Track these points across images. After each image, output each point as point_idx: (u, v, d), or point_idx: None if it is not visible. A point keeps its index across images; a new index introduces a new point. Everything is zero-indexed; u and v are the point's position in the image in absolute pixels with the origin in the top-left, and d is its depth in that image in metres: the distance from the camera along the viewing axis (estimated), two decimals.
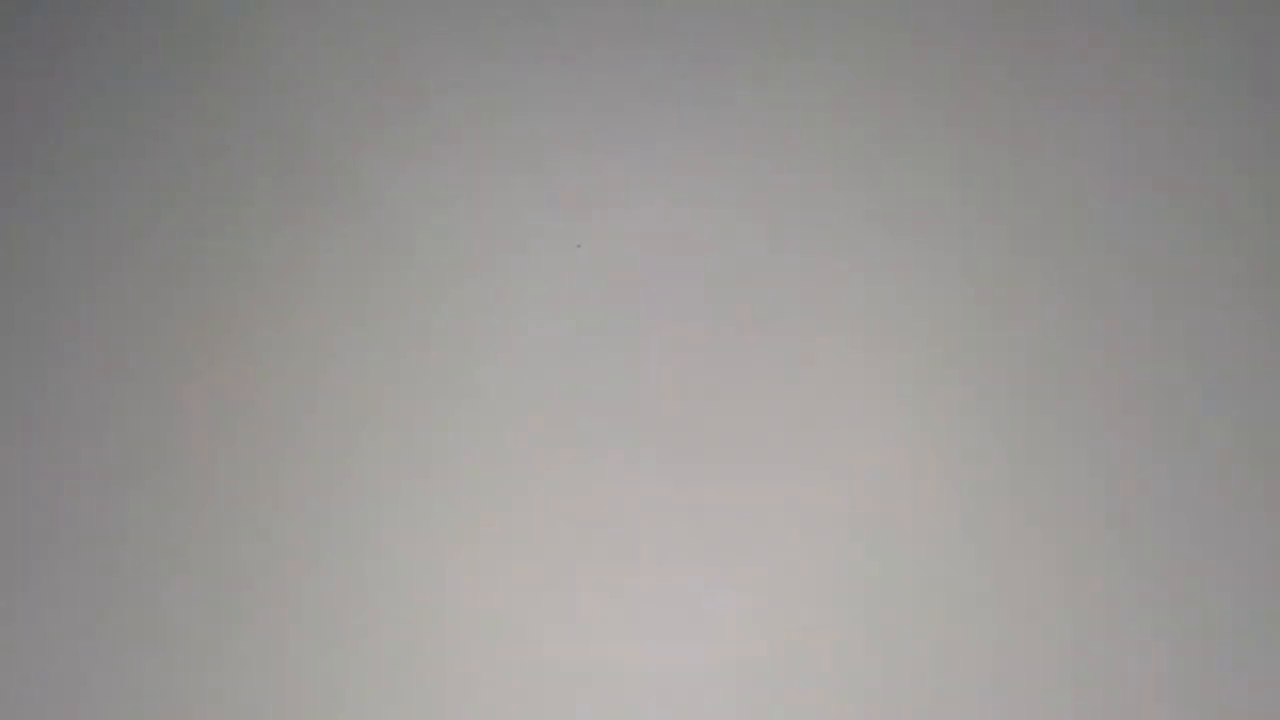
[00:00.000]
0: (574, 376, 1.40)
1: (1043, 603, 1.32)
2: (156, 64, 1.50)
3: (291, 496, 1.41)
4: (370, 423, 1.41)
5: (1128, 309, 1.36)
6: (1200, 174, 1.37)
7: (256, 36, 1.49)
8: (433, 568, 1.38)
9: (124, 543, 1.41)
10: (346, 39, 1.48)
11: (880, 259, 1.39)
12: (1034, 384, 1.35)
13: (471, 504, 1.39)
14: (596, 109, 1.44)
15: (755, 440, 1.37)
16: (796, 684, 1.34)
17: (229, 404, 1.43)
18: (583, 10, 1.46)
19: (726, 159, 1.42)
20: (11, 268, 1.47)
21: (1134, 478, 1.33)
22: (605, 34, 1.45)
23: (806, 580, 1.35)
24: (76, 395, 1.44)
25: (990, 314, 1.37)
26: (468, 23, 1.47)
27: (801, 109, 1.42)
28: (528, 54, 1.45)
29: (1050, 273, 1.37)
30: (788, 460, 1.36)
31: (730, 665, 1.35)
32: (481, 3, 1.47)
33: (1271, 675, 1.29)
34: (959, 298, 1.37)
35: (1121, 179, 1.37)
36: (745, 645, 1.35)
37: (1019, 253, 1.38)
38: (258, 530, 1.40)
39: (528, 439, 1.39)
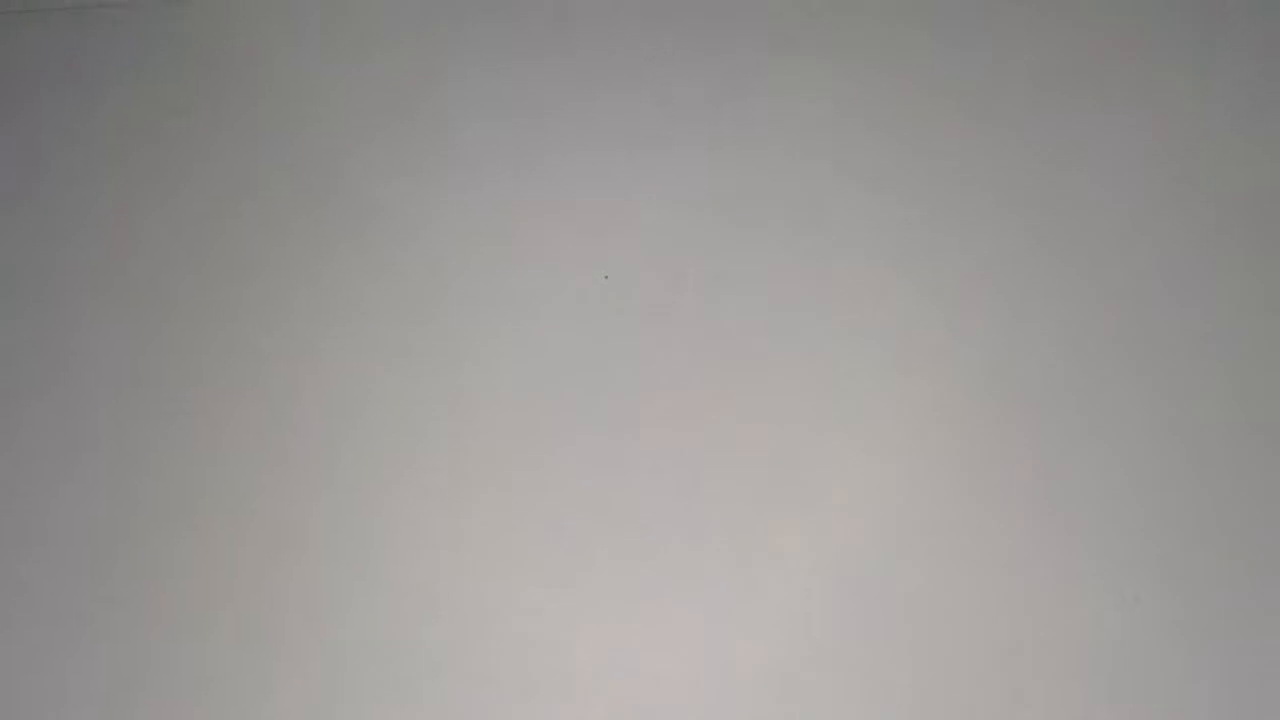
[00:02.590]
0: (598, 400, 1.41)
1: (1064, 600, 1.32)
2: (187, 98, 1.51)
3: (319, 518, 1.42)
4: (403, 450, 1.42)
5: (1146, 313, 1.36)
6: (1221, 173, 1.37)
7: (286, 69, 1.49)
8: (457, 584, 1.39)
9: (133, 545, 1.42)
10: (374, 74, 1.48)
11: (904, 289, 1.39)
12: (1054, 387, 1.36)
13: (498, 524, 1.40)
14: (623, 143, 1.45)
15: (778, 459, 1.38)
16: (817, 681, 1.34)
17: (261, 434, 1.44)
18: (611, 45, 1.46)
19: (750, 191, 1.43)
20: (41, 307, 1.48)
21: (1153, 477, 1.34)
22: (633, 70, 1.46)
23: (826, 583, 1.35)
24: (108, 421, 1.45)
25: (1012, 317, 1.38)
26: (496, 57, 1.47)
27: (825, 143, 1.42)
28: (555, 88, 1.46)
29: (1067, 274, 1.37)
30: (810, 476, 1.37)
31: (750, 663, 1.35)
32: (512, 37, 1.47)
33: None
34: (983, 302, 1.38)
35: (1138, 181, 1.38)
36: (764, 644, 1.35)
37: (1037, 255, 1.38)
38: (287, 550, 1.41)
39: (552, 461, 1.41)
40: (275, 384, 1.45)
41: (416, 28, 1.48)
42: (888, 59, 1.43)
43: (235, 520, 1.42)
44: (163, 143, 1.50)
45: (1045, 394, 1.36)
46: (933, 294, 1.39)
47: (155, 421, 1.45)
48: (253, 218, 1.48)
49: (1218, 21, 1.38)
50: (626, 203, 1.44)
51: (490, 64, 1.47)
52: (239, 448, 1.44)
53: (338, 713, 1.38)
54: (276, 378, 1.45)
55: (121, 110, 1.51)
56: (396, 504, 1.41)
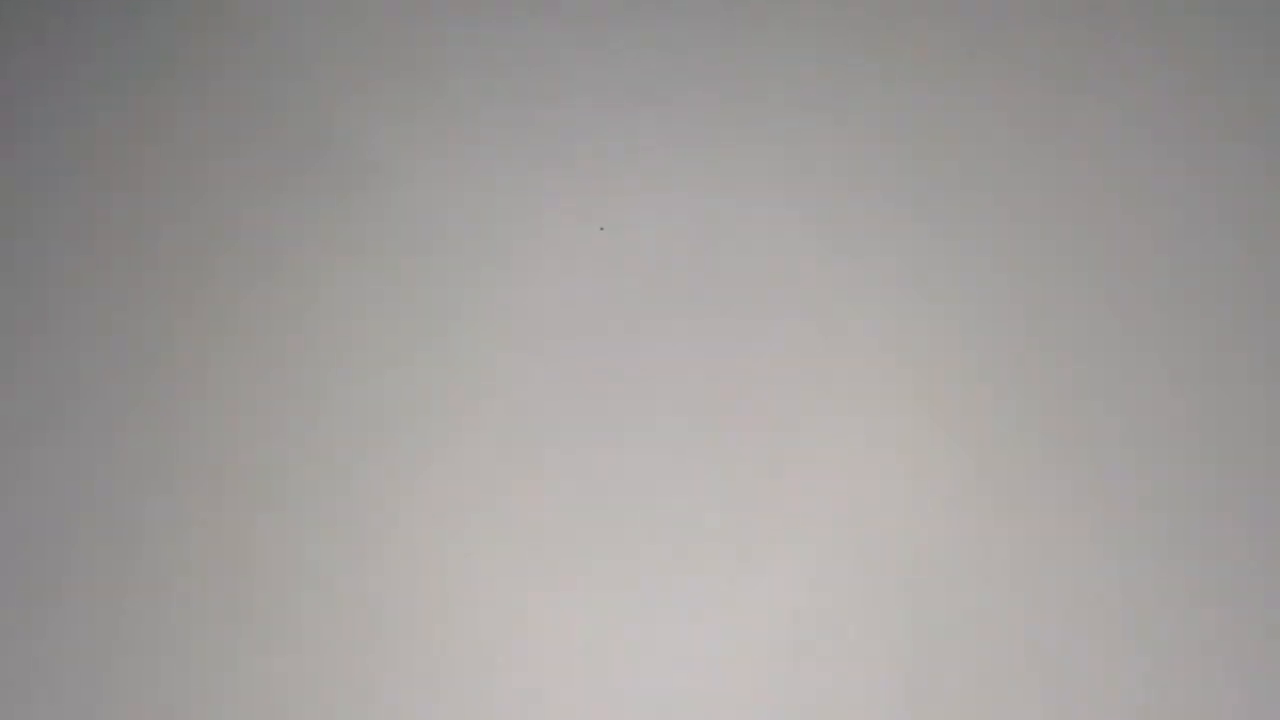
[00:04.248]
0: (595, 363, 1.40)
1: (1074, 590, 1.32)
2: (172, 53, 1.50)
3: (308, 489, 1.41)
4: (388, 412, 1.41)
5: (1146, 309, 1.35)
6: (1218, 171, 1.36)
7: (272, 23, 1.49)
8: (453, 558, 1.38)
9: (138, 541, 1.42)
10: (363, 24, 1.48)
11: (904, 241, 1.39)
12: (1056, 379, 1.35)
13: (492, 494, 1.39)
14: (619, 93, 1.44)
15: (780, 425, 1.37)
16: (822, 674, 1.34)
17: (244, 396, 1.43)
18: None
19: (749, 143, 1.41)
20: (20, 264, 1.47)
21: (1153, 474, 1.32)
22: (628, 18, 1.45)
23: (832, 569, 1.35)
24: (90, 393, 1.44)
25: (1011, 301, 1.37)
26: (487, 8, 1.47)
27: (826, 94, 1.41)
28: (549, 37, 1.45)
29: (1070, 270, 1.36)
30: (813, 444, 1.36)
31: (755, 655, 1.35)
32: None
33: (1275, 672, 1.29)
34: (982, 285, 1.37)
35: (1140, 177, 1.37)
36: (771, 635, 1.35)
37: (1040, 249, 1.37)
38: (275, 522, 1.41)
39: (548, 426, 1.39)
40: (257, 341, 1.44)
41: None
42: (897, 7, 1.41)
43: (215, 484, 1.41)
44: (144, 95, 1.50)
45: (1066, 373, 1.35)
46: (948, 249, 1.38)
47: (133, 380, 1.44)
48: (237, 171, 1.47)
49: (1219, 10, 1.38)
50: (623, 154, 1.43)
51: (481, 14, 1.47)
52: (220, 407, 1.43)
53: (320, 682, 1.38)
54: (258, 335, 1.44)
55: (102, 62, 1.50)
56: (378, 466, 1.41)
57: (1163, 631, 1.30)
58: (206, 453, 1.42)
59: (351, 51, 1.47)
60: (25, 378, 1.44)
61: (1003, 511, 1.33)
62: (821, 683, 1.33)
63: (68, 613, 1.40)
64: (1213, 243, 1.34)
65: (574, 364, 1.40)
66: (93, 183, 1.48)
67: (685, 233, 1.40)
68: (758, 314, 1.39)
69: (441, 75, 1.45)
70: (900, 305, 1.37)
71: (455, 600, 1.38)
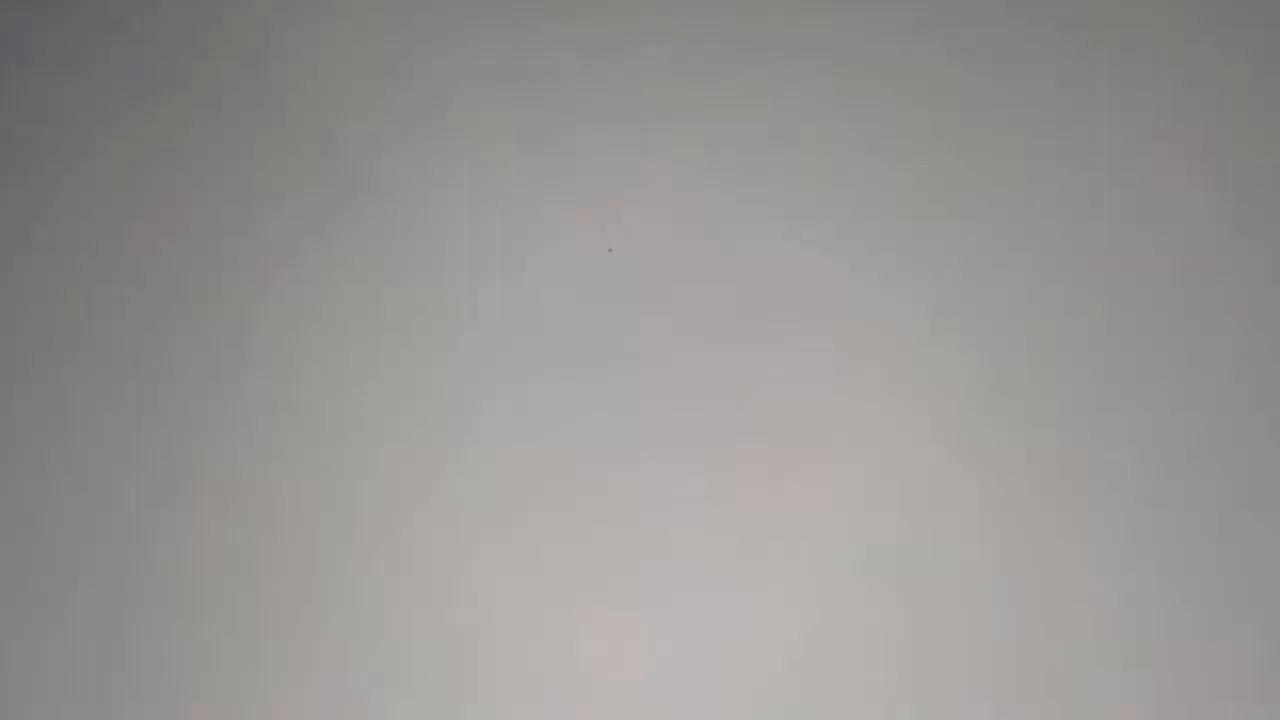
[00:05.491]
0: (602, 376, 1.39)
1: (1083, 604, 1.31)
2: (180, 68, 1.50)
3: (315, 503, 1.41)
4: (395, 428, 1.41)
5: (1164, 325, 1.34)
6: (1234, 182, 1.35)
7: (279, 40, 1.49)
8: (457, 574, 1.38)
9: (143, 543, 1.41)
10: (370, 41, 1.47)
11: (916, 258, 1.38)
12: (1071, 394, 1.34)
13: (498, 509, 1.39)
14: (626, 108, 1.43)
15: (789, 439, 1.36)
16: (828, 688, 1.33)
17: (251, 409, 1.43)
18: (614, 10, 1.45)
19: (758, 157, 1.41)
20: (30, 274, 1.47)
21: (1165, 486, 1.32)
22: (637, 35, 1.44)
23: (841, 585, 1.34)
24: (99, 404, 1.44)
25: (1026, 317, 1.36)
26: (495, 23, 1.46)
27: (838, 107, 1.41)
28: (557, 55, 1.45)
29: (1085, 285, 1.36)
30: (823, 459, 1.36)
31: (759, 667, 1.34)
32: (511, 2, 1.46)
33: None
34: (995, 299, 1.36)
35: (1138, 179, 1.36)
36: (772, 645, 1.34)
37: (1055, 263, 1.36)
38: (283, 535, 1.40)
39: (554, 440, 1.39)
40: (266, 361, 1.43)
41: None
42: (905, 18, 1.41)
43: (224, 502, 1.41)
44: (150, 114, 1.49)
45: (1080, 388, 1.34)
46: (959, 259, 1.37)
47: (140, 399, 1.44)
48: (243, 191, 1.47)
49: (1217, 12, 1.37)
50: (631, 172, 1.42)
51: (489, 30, 1.46)
52: (228, 426, 1.42)
53: (333, 703, 1.37)
54: (267, 354, 1.44)
55: (109, 82, 1.50)
56: (390, 484, 1.40)
57: (1169, 641, 1.30)
58: (214, 462, 1.41)
59: (357, 72, 1.47)
60: (32, 388, 1.44)
61: (1014, 528, 1.32)
62: (827, 697, 1.32)
63: (74, 622, 1.40)
64: (1231, 256, 1.34)
65: (580, 378, 1.39)
66: (103, 197, 1.48)
67: (693, 248, 1.40)
68: (766, 328, 1.38)
69: (448, 91, 1.45)
70: (912, 322, 1.36)
71: (461, 606, 1.37)
